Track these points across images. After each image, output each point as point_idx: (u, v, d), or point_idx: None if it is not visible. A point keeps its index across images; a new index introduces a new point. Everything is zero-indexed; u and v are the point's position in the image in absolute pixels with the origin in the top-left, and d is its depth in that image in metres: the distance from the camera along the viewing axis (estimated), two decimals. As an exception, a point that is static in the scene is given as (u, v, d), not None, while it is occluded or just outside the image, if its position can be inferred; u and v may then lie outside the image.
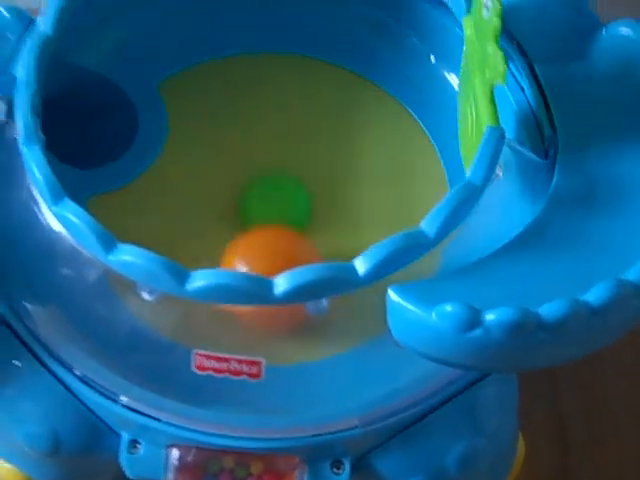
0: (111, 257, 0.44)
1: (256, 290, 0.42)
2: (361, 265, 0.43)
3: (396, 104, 0.56)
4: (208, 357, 0.44)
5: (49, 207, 0.46)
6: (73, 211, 0.45)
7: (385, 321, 0.44)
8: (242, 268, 0.49)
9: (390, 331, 0.44)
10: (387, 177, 0.54)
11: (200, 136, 0.56)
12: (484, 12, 0.48)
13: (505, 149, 0.48)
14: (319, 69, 0.57)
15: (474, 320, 0.41)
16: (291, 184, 0.54)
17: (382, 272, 0.43)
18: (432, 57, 0.56)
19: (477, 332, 0.41)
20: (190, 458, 0.47)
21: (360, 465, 0.48)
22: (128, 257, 0.43)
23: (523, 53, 0.52)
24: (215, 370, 0.44)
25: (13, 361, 0.48)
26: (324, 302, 0.44)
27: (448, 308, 0.41)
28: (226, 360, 0.44)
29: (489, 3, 0.47)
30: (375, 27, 0.57)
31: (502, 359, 0.42)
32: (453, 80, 0.55)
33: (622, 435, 0.61)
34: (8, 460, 0.51)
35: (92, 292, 0.48)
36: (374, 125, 0.56)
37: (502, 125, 0.47)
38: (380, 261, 0.43)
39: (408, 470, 0.48)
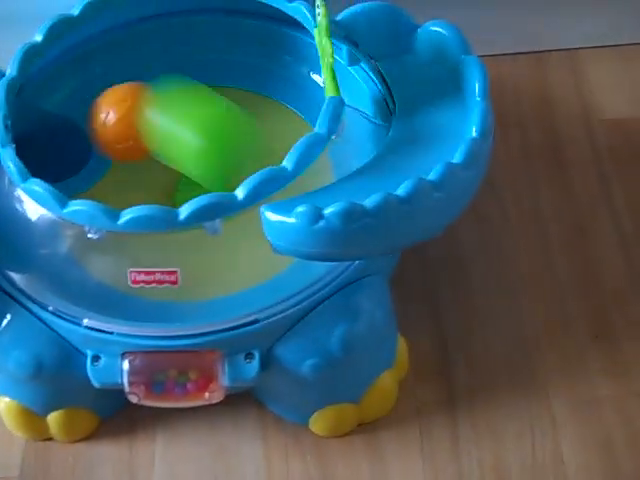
0: (65, 210, 0.62)
1: (166, 217, 0.60)
2: (240, 192, 0.61)
3: (283, 107, 0.75)
4: (139, 272, 0.61)
5: (19, 185, 0.64)
6: (36, 183, 0.63)
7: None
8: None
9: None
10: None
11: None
12: (318, 19, 0.66)
13: (358, 117, 0.67)
14: (226, 93, 0.73)
15: (318, 214, 0.59)
16: None
17: (256, 197, 0.61)
18: (302, 67, 0.74)
19: (321, 223, 0.59)
20: (138, 362, 0.64)
21: (267, 356, 0.65)
22: (76, 207, 0.62)
23: (368, 55, 0.70)
24: (145, 282, 0.61)
25: (3, 312, 0.65)
26: (218, 224, 0.61)
27: (300, 209, 0.59)
28: (152, 273, 0.61)
29: (319, 11, 0.65)
30: (261, 55, 0.76)
31: (345, 243, 0.60)
32: (319, 79, 0.74)
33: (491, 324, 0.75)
34: (7, 393, 0.68)
35: (54, 251, 0.65)
36: (271, 123, 0.73)
37: (361, 106, 0.68)
38: (253, 187, 0.61)
39: (303, 355, 0.64)
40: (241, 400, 0.69)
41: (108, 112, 0.68)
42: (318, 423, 0.68)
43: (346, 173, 0.65)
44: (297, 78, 0.76)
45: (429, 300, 0.75)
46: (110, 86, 0.73)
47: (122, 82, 0.74)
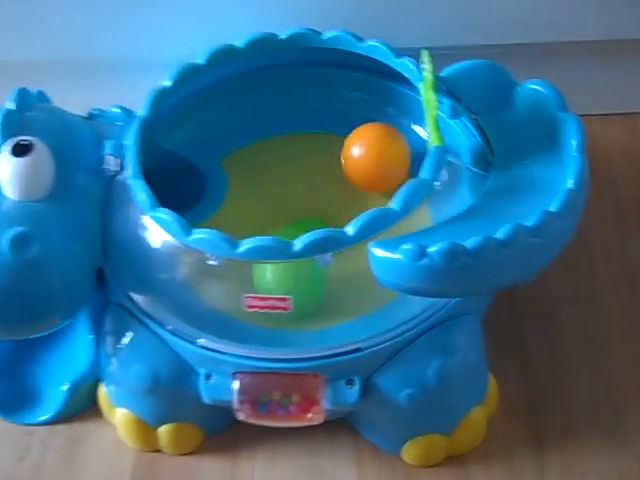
0: (189, 237, 0.68)
1: (281, 248, 0.66)
2: (350, 229, 0.67)
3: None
4: (254, 298, 0.67)
5: (147, 213, 0.70)
6: (163, 212, 0.69)
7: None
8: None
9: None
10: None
11: (251, 193, 0.79)
12: (424, 74, 0.72)
13: (459, 167, 0.73)
14: (331, 140, 0.81)
15: (422, 252, 0.65)
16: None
17: (364, 233, 0.66)
18: (405, 119, 0.80)
19: (425, 260, 0.64)
20: (247, 381, 0.69)
21: (367, 383, 0.70)
22: (200, 235, 0.68)
23: (469, 109, 0.76)
24: (259, 307, 0.67)
25: (125, 328, 0.71)
26: (329, 257, 0.67)
27: (405, 246, 0.65)
28: (266, 299, 0.67)
29: (424, 66, 0.72)
30: (365, 106, 0.82)
31: (446, 280, 0.65)
32: (420, 131, 0.79)
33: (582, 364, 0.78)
34: (124, 404, 0.73)
35: (174, 276, 0.71)
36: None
37: (461, 155, 0.73)
38: (363, 225, 0.66)
39: (400, 384, 0.69)
40: (337, 427, 0.74)
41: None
42: (410, 452, 0.73)
43: (443, 218, 0.70)
44: (399, 129, 0.81)
45: (519, 345, 0.79)
46: (224, 131, 0.80)
47: (234, 128, 0.81)
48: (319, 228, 0.69)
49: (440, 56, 0.76)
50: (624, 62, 0.91)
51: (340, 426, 0.74)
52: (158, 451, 0.75)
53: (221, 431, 0.75)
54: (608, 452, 0.73)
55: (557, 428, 0.75)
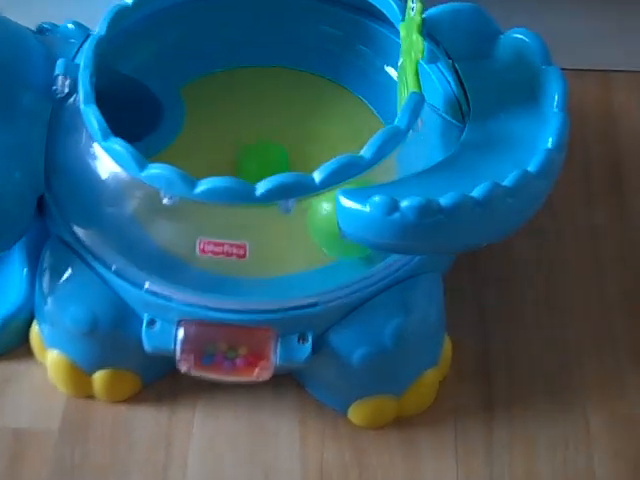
0: (144, 172, 0.63)
1: (242, 191, 0.60)
2: (317, 175, 0.62)
3: (355, 97, 0.76)
4: (208, 242, 0.62)
5: (100, 143, 0.64)
6: (117, 143, 0.64)
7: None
8: None
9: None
10: (346, 137, 0.73)
11: (209, 123, 0.75)
12: (411, 14, 0.67)
13: (432, 114, 0.68)
14: (298, 76, 0.77)
15: (394, 206, 0.60)
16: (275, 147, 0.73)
17: (332, 180, 0.62)
18: (379, 60, 0.76)
19: (396, 215, 0.60)
20: (193, 331, 0.65)
21: (319, 340, 0.66)
22: (155, 170, 0.62)
23: (447, 55, 0.71)
24: (213, 252, 0.62)
25: (65, 265, 0.66)
26: (291, 203, 0.62)
27: (376, 199, 0.60)
28: (221, 244, 0.62)
29: (413, 5, 0.66)
30: (338, 43, 0.77)
31: (416, 237, 0.61)
32: (393, 73, 0.75)
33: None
34: (57, 346, 0.68)
35: (123, 212, 0.66)
36: (341, 112, 0.76)
37: (433, 102, 0.68)
38: (330, 172, 0.62)
39: (355, 342, 0.65)
40: (283, 381, 0.70)
41: None
42: (357, 413, 0.69)
43: (409, 167, 0.65)
44: (370, 69, 0.77)
45: (476, 307, 0.75)
46: (184, 54, 0.75)
47: (196, 54, 0.76)
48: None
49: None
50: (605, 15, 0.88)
51: (285, 380, 0.70)
52: (91, 397, 0.70)
53: (160, 378, 0.70)
54: (557, 419, 0.71)
55: (507, 393, 0.72)
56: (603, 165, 0.84)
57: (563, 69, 0.84)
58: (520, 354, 0.74)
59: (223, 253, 0.63)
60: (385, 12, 0.71)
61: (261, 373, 0.65)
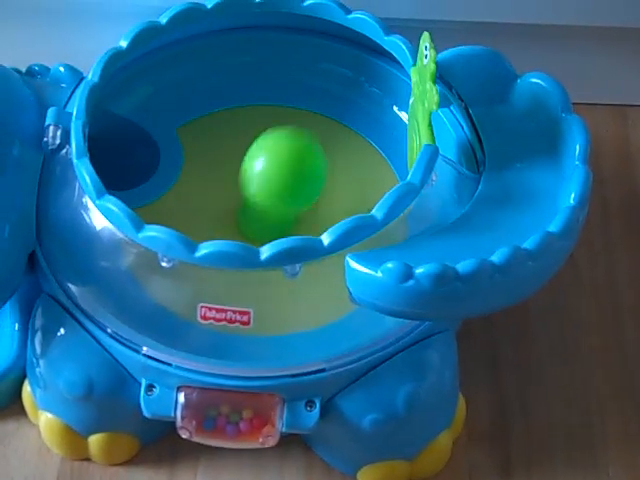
0: (140, 234, 0.59)
1: (246, 256, 0.57)
2: (326, 238, 0.58)
3: (362, 139, 0.72)
4: (210, 309, 0.58)
5: (94, 201, 0.61)
6: (112, 202, 0.60)
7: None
8: None
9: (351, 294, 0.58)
10: (356, 188, 0.69)
11: (208, 165, 0.71)
12: (424, 61, 0.63)
13: (445, 165, 0.64)
14: (303, 116, 0.73)
15: (408, 273, 0.56)
16: None
17: (342, 244, 0.58)
18: (387, 100, 0.72)
19: (410, 282, 0.56)
20: (194, 397, 0.61)
21: (328, 405, 0.62)
22: (153, 233, 0.58)
23: (460, 98, 0.68)
24: (215, 319, 0.58)
25: (58, 326, 0.63)
26: (298, 268, 0.58)
27: (389, 265, 0.56)
28: (224, 311, 0.58)
29: (427, 53, 0.62)
30: (345, 82, 0.73)
31: (432, 306, 0.57)
32: (404, 117, 0.71)
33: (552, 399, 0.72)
34: (50, 409, 0.65)
35: (120, 271, 0.62)
36: (347, 155, 0.71)
37: (445, 152, 0.64)
38: (340, 235, 0.58)
39: (365, 408, 0.62)
40: (289, 442, 0.66)
41: None
42: (367, 477, 0.65)
43: (421, 221, 0.62)
44: (378, 110, 0.73)
45: (491, 360, 0.72)
46: (181, 93, 0.71)
47: (195, 93, 0.72)
48: None
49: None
50: (621, 50, 0.84)
51: (292, 441, 0.67)
52: (87, 459, 0.67)
53: (159, 439, 0.67)
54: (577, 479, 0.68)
55: (524, 451, 0.68)
56: (621, 206, 0.80)
57: (578, 103, 0.82)
58: (537, 412, 0.70)
59: (226, 320, 0.59)
60: (395, 54, 0.67)
61: (266, 440, 0.62)
